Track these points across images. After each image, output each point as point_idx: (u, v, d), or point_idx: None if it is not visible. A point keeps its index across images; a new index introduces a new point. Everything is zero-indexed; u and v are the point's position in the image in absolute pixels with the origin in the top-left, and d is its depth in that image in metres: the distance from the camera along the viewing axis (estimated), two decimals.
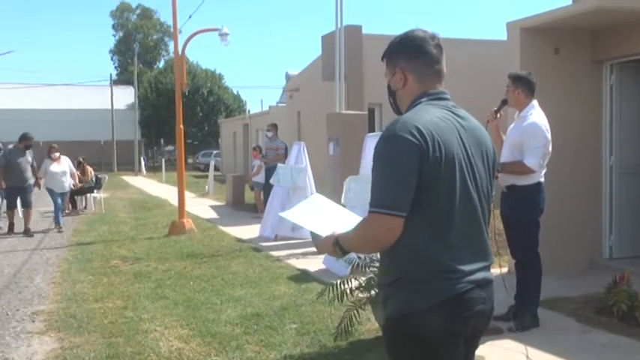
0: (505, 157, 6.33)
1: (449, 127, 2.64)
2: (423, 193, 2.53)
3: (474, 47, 17.44)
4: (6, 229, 14.66)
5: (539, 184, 6.28)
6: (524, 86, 6.35)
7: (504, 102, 6.49)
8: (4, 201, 15.03)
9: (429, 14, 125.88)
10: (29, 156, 14.83)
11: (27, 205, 14.76)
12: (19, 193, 14.67)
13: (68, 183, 15.85)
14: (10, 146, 15.20)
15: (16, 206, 14.87)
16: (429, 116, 2.62)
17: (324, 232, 2.96)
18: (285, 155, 15.73)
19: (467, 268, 2.62)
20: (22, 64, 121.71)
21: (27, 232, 14.38)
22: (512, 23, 8.86)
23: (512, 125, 6.55)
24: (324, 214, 3.23)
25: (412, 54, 2.78)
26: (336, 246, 2.80)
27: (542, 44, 8.67)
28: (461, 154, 2.62)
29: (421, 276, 2.60)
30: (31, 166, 14.86)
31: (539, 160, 6.16)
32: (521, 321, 6.27)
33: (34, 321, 7.27)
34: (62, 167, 15.64)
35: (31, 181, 14.81)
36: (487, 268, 2.75)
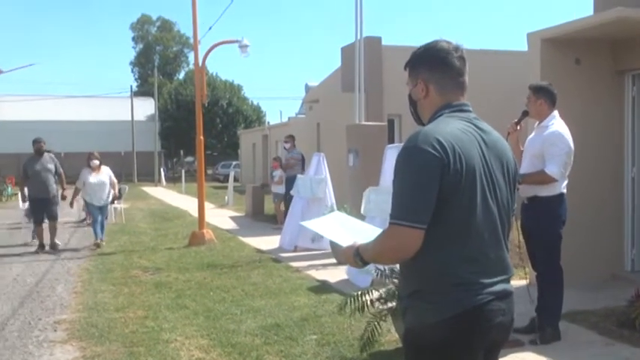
0: (525, 168, 6.28)
1: (470, 139, 2.64)
2: (443, 206, 2.53)
3: (494, 58, 17.39)
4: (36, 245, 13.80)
5: (561, 195, 6.24)
6: (545, 97, 6.30)
7: (525, 113, 6.44)
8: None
9: (449, 25, 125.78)
10: (48, 163, 13.50)
11: (51, 218, 13.57)
12: (43, 205, 13.43)
13: (107, 195, 14.15)
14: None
15: (42, 221, 13.57)
16: (450, 128, 2.62)
17: (344, 242, 2.97)
18: (302, 165, 15.92)
19: (486, 280, 2.62)
20: (44, 77, 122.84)
21: (54, 247, 13.50)
22: (533, 34, 8.84)
23: (531, 136, 6.51)
24: (344, 226, 3.24)
25: (435, 65, 2.78)
26: (357, 256, 2.80)
27: (563, 55, 8.65)
28: (481, 167, 2.62)
29: (440, 288, 2.60)
30: (56, 174, 13.60)
31: (560, 169, 6.11)
32: (543, 334, 6.23)
33: (56, 330, 7.32)
34: (101, 177, 14.05)
35: (55, 191, 13.59)
36: (507, 281, 2.73)
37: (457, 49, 2.78)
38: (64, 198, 13.93)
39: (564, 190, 6.27)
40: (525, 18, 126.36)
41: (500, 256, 2.71)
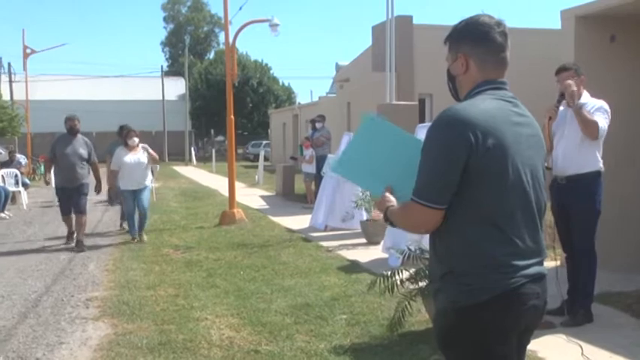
0: (570, 151, 6.12)
1: (504, 118, 2.58)
2: (474, 185, 2.49)
3: (527, 36, 17.16)
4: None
5: (599, 173, 6.16)
6: (583, 75, 6.24)
7: (564, 96, 6.20)
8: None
9: (480, 4, 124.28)
10: (81, 147, 11.52)
11: (78, 211, 11.47)
12: (70, 195, 11.44)
13: (144, 179, 11.93)
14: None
15: (69, 212, 11.62)
16: (484, 106, 2.57)
17: (379, 186, 2.90)
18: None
19: (521, 262, 2.57)
20: (77, 56, 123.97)
21: (78, 245, 11.28)
22: (567, 11, 8.68)
23: (557, 121, 6.30)
24: (379, 153, 2.94)
25: (477, 40, 2.70)
26: (387, 220, 2.84)
27: (598, 33, 8.47)
28: (515, 147, 2.56)
29: (474, 269, 2.56)
30: (89, 162, 11.61)
31: (604, 125, 6.03)
32: (575, 316, 6.17)
33: (88, 307, 7.41)
34: (138, 157, 11.81)
35: (85, 180, 11.52)
36: (541, 263, 2.69)
37: (499, 24, 2.71)
38: (98, 191, 12.03)
39: (602, 169, 6.18)
40: None
41: (535, 237, 2.65)
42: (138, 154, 11.84)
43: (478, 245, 2.54)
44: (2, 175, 18.04)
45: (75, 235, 11.56)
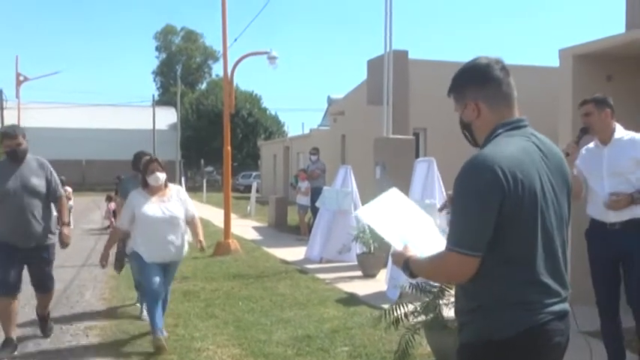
0: (611, 188, 5.52)
1: (531, 159, 2.61)
2: (505, 229, 2.52)
3: (524, 74, 17.39)
4: None
5: None
6: (609, 107, 5.74)
7: (584, 131, 5.75)
8: None
9: (476, 40, 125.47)
10: (33, 176, 6.71)
11: (42, 289, 7.04)
12: (21, 260, 6.67)
13: (180, 245, 6.99)
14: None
15: (15, 290, 6.62)
16: (509, 150, 2.58)
17: (398, 241, 2.98)
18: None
19: (547, 300, 2.61)
20: (68, 85, 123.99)
21: (44, 329, 7.32)
22: (565, 50, 8.84)
23: (585, 155, 5.80)
24: (400, 217, 3.21)
25: (480, 82, 2.74)
26: (406, 270, 2.83)
27: (595, 72, 8.61)
28: (542, 187, 2.60)
29: (502, 306, 2.59)
30: (51, 198, 6.92)
31: None
32: None
33: (88, 335, 7.39)
34: (172, 207, 6.98)
35: (50, 237, 6.89)
36: (565, 300, 2.72)
37: (497, 61, 2.76)
38: (64, 244, 7.02)
39: None
40: (557, 34, 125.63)
41: (560, 275, 2.69)
42: (167, 201, 7.05)
43: (506, 284, 2.58)
44: None
45: (38, 313, 7.37)
